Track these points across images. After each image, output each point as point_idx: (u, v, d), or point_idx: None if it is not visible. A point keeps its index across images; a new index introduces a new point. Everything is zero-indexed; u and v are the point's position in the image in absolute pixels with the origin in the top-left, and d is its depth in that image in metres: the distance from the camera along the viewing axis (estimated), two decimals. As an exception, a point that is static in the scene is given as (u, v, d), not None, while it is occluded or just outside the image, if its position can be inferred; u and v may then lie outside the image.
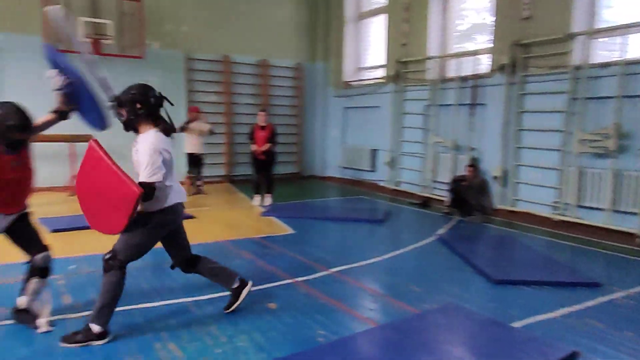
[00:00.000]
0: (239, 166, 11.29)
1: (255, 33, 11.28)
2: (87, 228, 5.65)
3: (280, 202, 8.62)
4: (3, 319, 3.46)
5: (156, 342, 3.17)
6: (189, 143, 9.20)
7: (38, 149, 9.53)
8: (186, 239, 3.62)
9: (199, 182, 9.49)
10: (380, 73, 10.88)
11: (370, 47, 11.47)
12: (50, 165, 9.18)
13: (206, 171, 10.40)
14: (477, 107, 8.33)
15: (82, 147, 11.07)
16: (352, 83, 11.73)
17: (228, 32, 10.95)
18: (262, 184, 8.39)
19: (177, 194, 3.35)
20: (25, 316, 3.39)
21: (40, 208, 7.48)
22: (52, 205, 7.86)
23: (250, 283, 3.76)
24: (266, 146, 8.17)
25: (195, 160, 9.35)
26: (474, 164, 7.89)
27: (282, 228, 6.68)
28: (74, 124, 10.05)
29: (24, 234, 3.37)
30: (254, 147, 8.23)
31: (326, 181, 12.21)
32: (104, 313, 3.15)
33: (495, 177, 7.89)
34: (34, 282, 3.37)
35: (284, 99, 11.92)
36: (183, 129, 8.85)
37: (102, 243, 5.43)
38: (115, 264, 3.17)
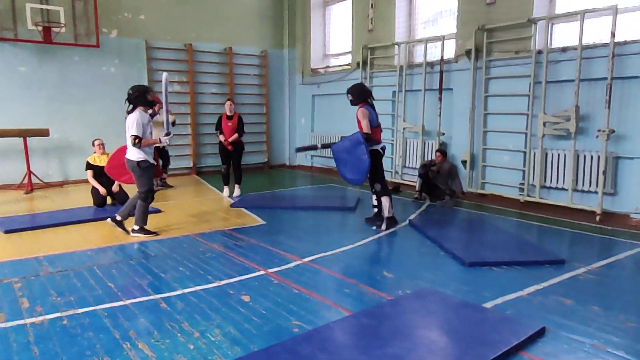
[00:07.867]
0: (206, 157, 11.07)
1: (218, 20, 11.02)
2: (44, 227, 5.42)
3: (250, 192, 8.50)
4: None
5: (125, 342, 3.05)
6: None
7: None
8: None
9: (163, 176, 9.23)
10: (348, 59, 10.82)
11: (337, 34, 11.38)
12: (2, 161, 8.77)
13: (172, 163, 10.14)
14: (444, 92, 8.38)
15: (36, 141, 10.50)
16: (319, 70, 11.64)
17: (190, 19, 10.63)
18: (230, 175, 8.25)
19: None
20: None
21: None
22: (5, 204, 7.42)
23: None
24: (234, 136, 8.00)
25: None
26: (442, 149, 7.95)
27: (253, 219, 6.58)
28: (27, 118, 9.57)
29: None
30: (221, 138, 8.03)
31: (296, 170, 12.14)
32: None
33: (464, 161, 7.99)
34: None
35: (250, 87, 11.72)
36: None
37: (62, 242, 5.25)
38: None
